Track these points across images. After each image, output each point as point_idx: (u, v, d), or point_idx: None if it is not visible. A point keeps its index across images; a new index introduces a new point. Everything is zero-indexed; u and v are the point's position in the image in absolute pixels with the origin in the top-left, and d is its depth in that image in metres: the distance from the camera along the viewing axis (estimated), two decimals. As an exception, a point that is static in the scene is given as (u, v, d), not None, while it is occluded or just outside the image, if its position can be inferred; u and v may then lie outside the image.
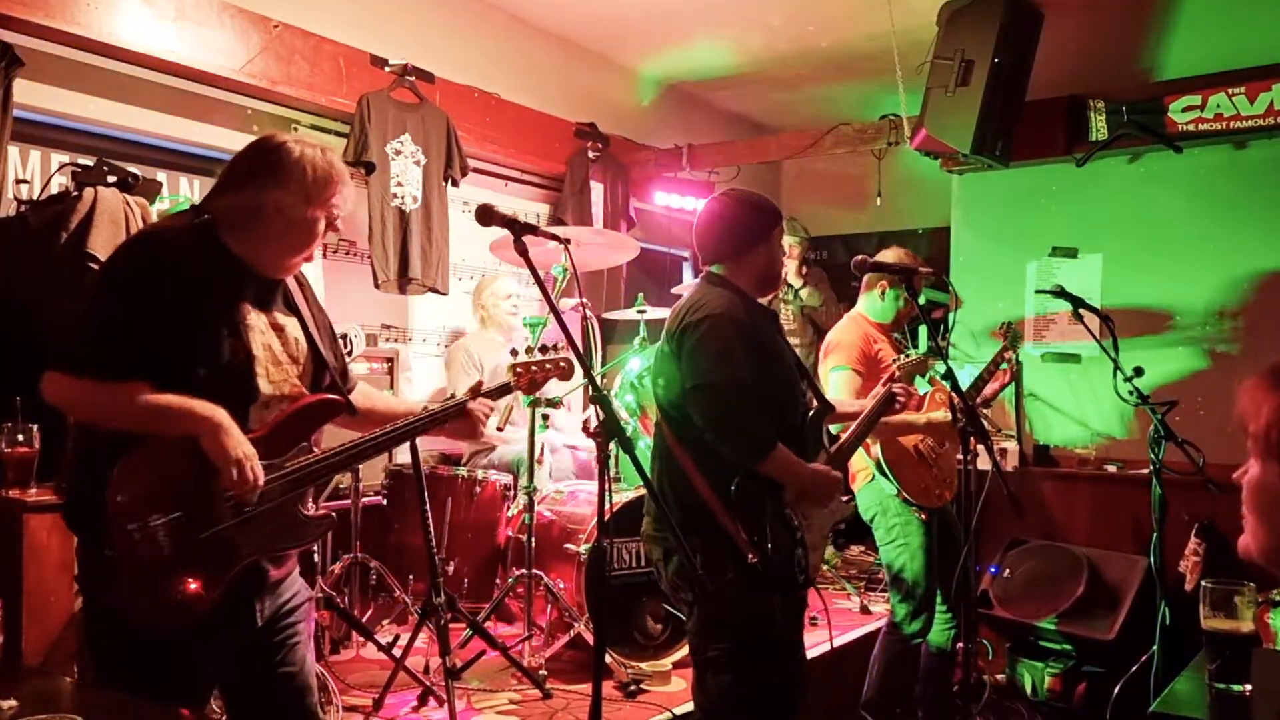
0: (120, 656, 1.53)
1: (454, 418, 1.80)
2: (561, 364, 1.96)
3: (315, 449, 1.64)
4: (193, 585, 1.48)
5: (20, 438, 2.38)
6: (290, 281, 1.71)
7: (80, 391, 1.48)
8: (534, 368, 1.93)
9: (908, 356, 2.52)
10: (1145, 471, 3.18)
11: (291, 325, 1.67)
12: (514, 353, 2.00)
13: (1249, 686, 1.54)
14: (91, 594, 1.57)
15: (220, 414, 1.49)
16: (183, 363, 1.50)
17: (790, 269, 4.75)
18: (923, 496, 2.87)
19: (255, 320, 1.60)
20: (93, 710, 1.28)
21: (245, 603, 1.59)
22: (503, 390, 1.90)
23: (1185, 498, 3.23)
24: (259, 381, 1.57)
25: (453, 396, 1.88)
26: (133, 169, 2.76)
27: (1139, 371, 3.14)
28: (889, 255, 2.89)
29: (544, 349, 1.98)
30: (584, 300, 3.12)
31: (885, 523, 2.92)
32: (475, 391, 1.84)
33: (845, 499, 2.25)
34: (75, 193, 2.57)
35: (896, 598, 2.92)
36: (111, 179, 2.64)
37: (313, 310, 1.73)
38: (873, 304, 3.05)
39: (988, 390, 3.30)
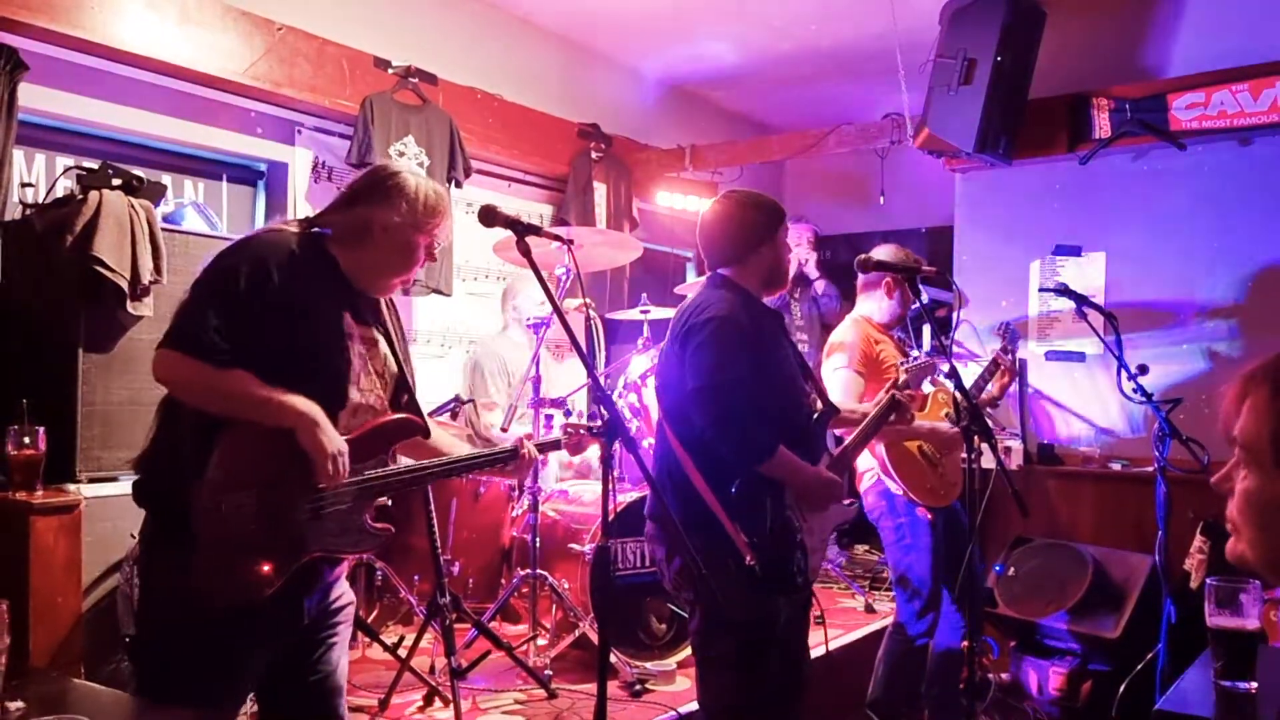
0: (177, 639, 1.57)
1: (511, 458, 1.89)
2: (599, 431, 2.01)
3: (390, 463, 1.73)
4: (266, 569, 1.55)
5: (26, 440, 2.40)
6: (383, 303, 1.80)
7: (190, 371, 1.56)
8: (583, 430, 2.01)
9: (914, 360, 2.51)
10: (1150, 469, 3.17)
11: (382, 343, 1.76)
12: (566, 414, 2.07)
13: (1255, 684, 1.54)
14: (158, 571, 1.62)
15: (318, 411, 1.58)
16: (285, 359, 1.58)
17: (811, 261, 4.76)
18: (928, 496, 2.86)
19: (354, 330, 1.70)
20: (99, 712, 1.28)
21: (295, 600, 1.65)
22: (552, 445, 1.99)
23: (1190, 495, 3.22)
24: (350, 388, 1.66)
25: (463, 401, 1.93)
26: (137, 172, 2.77)
27: (1143, 369, 3.13)
28: (883, 253, 2.88)
29: (592, 417, 2.04)
30: (587, 300, 3.12)
31: (891, 522, 2.91)
32: (527, 439, 1.92)
33: (848, 503, 2.24)
34: (80, 196, 2.58)
35: (903, 598, 2.92)
36: (116, 182, 2.65)
37: (398, 335, 1.82)
38: (876, 304, 3.04)
39: (993, 389, 3.27)
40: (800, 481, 2.02)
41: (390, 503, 1.80)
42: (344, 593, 1.76)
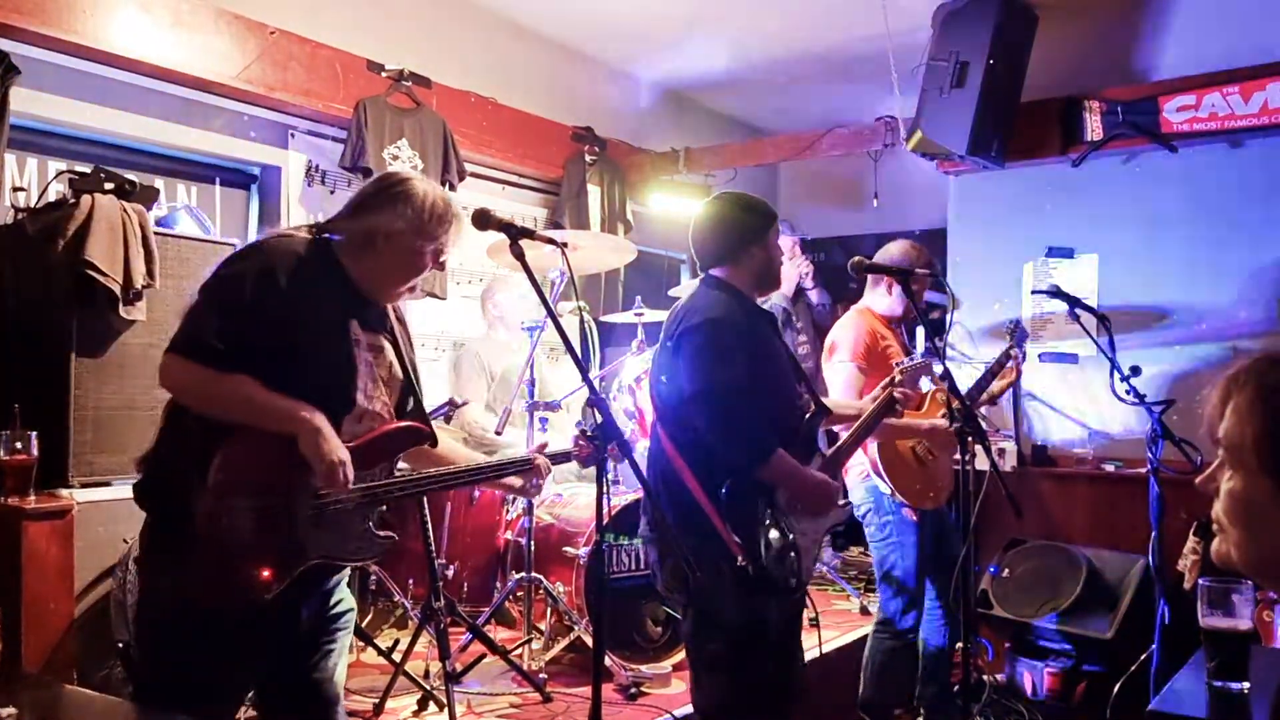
0: (173, 640, 1.57)
1: (522, 470, 1.89)
2: (614, 450, 1.99)
3: (394, 471, 1.73)
4: (265, 574, 1.54)
5: (19, 445, 2.38)
6: (390, 310, 1.81)
7: (191, 376, 1.56)
8: (596, 443, 1.98)
9: (910, 360, 2.52)
10: (1143, 471, 3.18)
11: (388, 350, 1.77)
12: (581, 431, 2.07)
13: (1247, 684, 1.55)
14: (157, 572, 1.62)
15: (321, 418, 1.57)
16: (290, 364, 1.58)
17: (809, 274, 4.78)
18: (916, 498, 2.86)
19: (361, 337, 1.71)
20: (91, 718, 1.28)
21: (293, 605, 1.65)
22: (564, 457, 1.99)
23: (1183, 497, 3.23)
24: (356, 394, 1.66)
25: (456, 404, 1.91)
26: (130, 176, 2.76)
27: (1136, 371, 3.14)
28: (895, 249, 2.89)
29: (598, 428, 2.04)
30: (582, 304, 3.12)
31: (877, 520, 2.91)
32: (541, 450, 1.93)
33: (842, 503, 2.25)
34: (72, 200, 2.57)
35: (887, 594, 2.93)
36: (109, 186, 2.64)
37: (407, 341, 1.83)
38: (880, 298, 3.04)
39: (994, 387, 3.24)
40: (797, 485, 2.02)
41: (386, 508, 1.80)
42: (343, 599, 1.76)
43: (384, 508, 1.74)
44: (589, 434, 1.98)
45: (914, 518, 2.85)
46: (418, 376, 1.84)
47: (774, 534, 1.98)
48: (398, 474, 1.77)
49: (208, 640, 1.55)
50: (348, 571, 1.79)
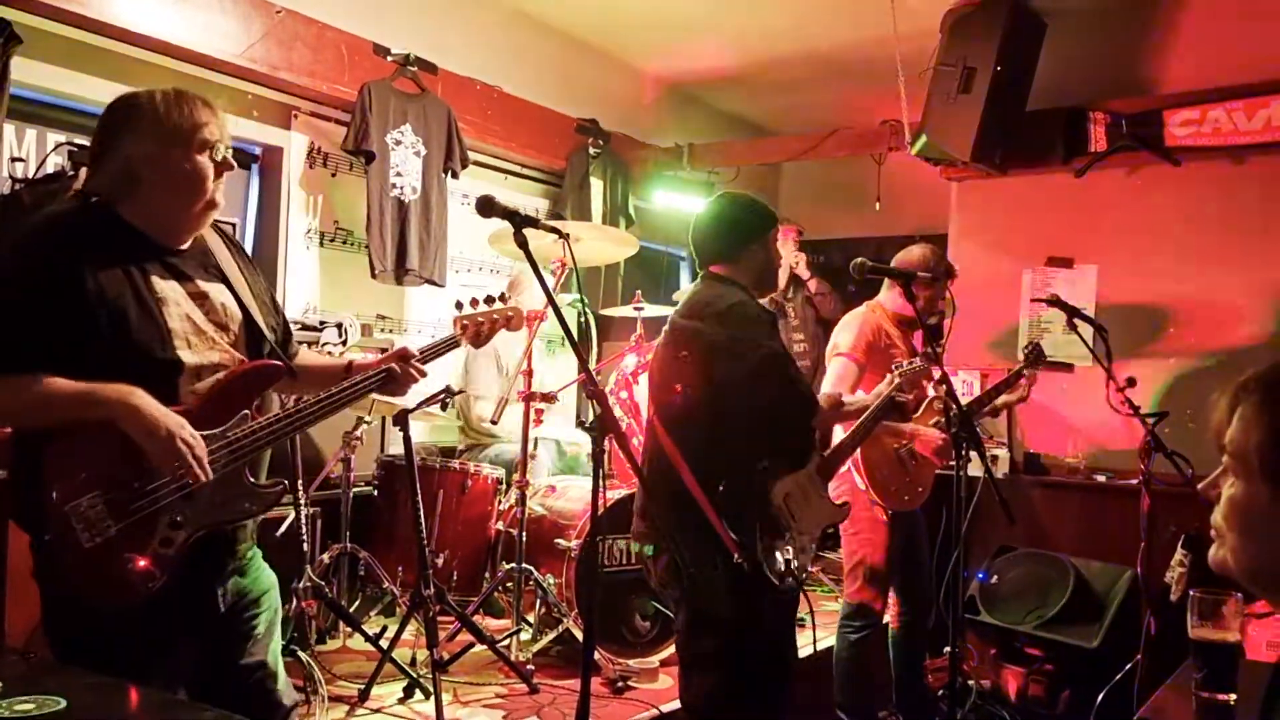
0: (82, 649, 1.48)
1: (386, 381, 1.73)
2: (509, 314, 1.87)
3: (258, 416, 1.58)
4: (141, 563, 1.44)
5: (9, 418, 2.36)
6: (219, 248, 1.64)
7: None
8: (480, 319, 1.85)
9: (910, 364, 2.51)
10: (1134, 482, 3.19)
11: (217, 292, 1.60)
12: (459, 305, 1.88)
13: (1234, 696, 1.56)
14: (43, 585, 1.52)
15: (132, 394, 1.43)
16: (91, 344, 1.45)
17: (801, 262, 4.78)
18: (890, 499, 2.84)
19: (168, 291, 1.53)
20: (76, 692, 1.27)
21: (206, 587, 1.57)
22: (449, 344, 1.84)
23: (1173, 509, 3.24)
24: (179, 353, 1.51)
25: (453, 392, 1.86)
26: (130, 151, 2.73)
27: (1132, 382, 3.15)
28: (915, 253, 2.90)
29: (489, 299, 1.88)
30: (582, 296, 3.12)
31: (852, 512, 2.91)
32: (404, 355, 1.76)
33: (840, 503, 2.25)
34: (71, 172, 2.56)
35: (852, 587, 2.93)
36: (108, 160, 2.61)
37: (245, 276, 1.66)
38: (894, 297, 3.00)
39: (1000, 400, 3.22)
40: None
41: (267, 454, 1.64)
42: (259, 578, 1.66)
43: (261, 454, 1.58)
44: (481, 315, 1.81)
45: (883, 517, 2.84)
46: (274, 308, 1.69)
47: (770, 530, 1.98)
48: (260, 419, 1.57)
49: (115, 645, 1.45)
50: (257, 551, 1.67)
